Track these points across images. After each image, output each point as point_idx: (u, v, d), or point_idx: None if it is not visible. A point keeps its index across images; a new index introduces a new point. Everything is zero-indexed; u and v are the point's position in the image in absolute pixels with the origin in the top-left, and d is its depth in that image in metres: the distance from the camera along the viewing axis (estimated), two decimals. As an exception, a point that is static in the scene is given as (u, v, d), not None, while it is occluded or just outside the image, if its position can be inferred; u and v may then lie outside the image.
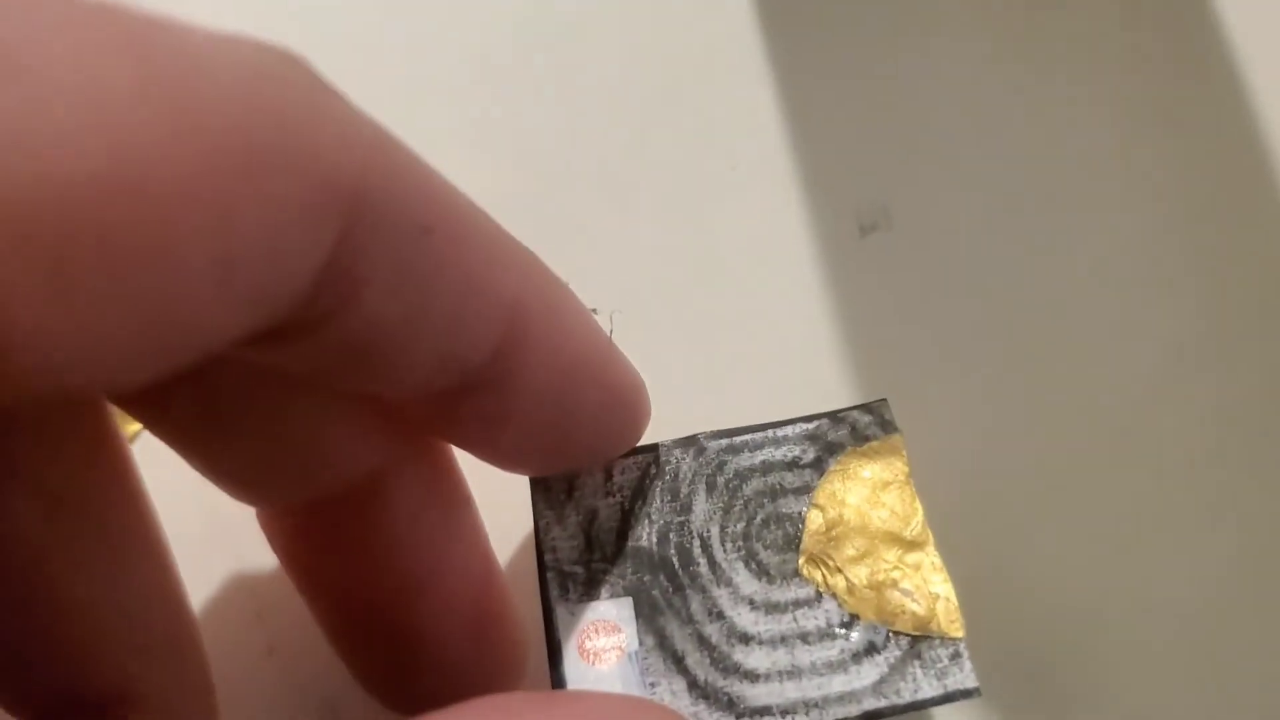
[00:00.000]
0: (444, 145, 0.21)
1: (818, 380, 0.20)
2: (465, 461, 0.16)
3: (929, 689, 0.15)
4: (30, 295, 0.08)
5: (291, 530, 0.15)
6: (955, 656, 0.15)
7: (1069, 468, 0.19)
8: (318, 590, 0.15)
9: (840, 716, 0.15)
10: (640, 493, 0.17)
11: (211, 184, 0.09)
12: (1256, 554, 0.19)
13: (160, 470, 0.17)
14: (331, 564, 0.14)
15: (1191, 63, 0.20)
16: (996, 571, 0.19)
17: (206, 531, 0.18)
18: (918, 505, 0.17)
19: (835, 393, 0.20)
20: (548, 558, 0.17)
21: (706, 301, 0.20)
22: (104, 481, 0.13)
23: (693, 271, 0.20)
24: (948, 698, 0.15)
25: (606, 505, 0.17)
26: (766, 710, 0.15)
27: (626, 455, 0.18)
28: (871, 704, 0.15)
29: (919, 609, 0.16)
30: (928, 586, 0.16)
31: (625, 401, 0.16)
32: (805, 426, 0.18)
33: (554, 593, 0.16)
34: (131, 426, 0.19)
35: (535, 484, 0.17)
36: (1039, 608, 0.18)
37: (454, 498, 0.16)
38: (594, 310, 0.17)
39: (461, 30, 0.22)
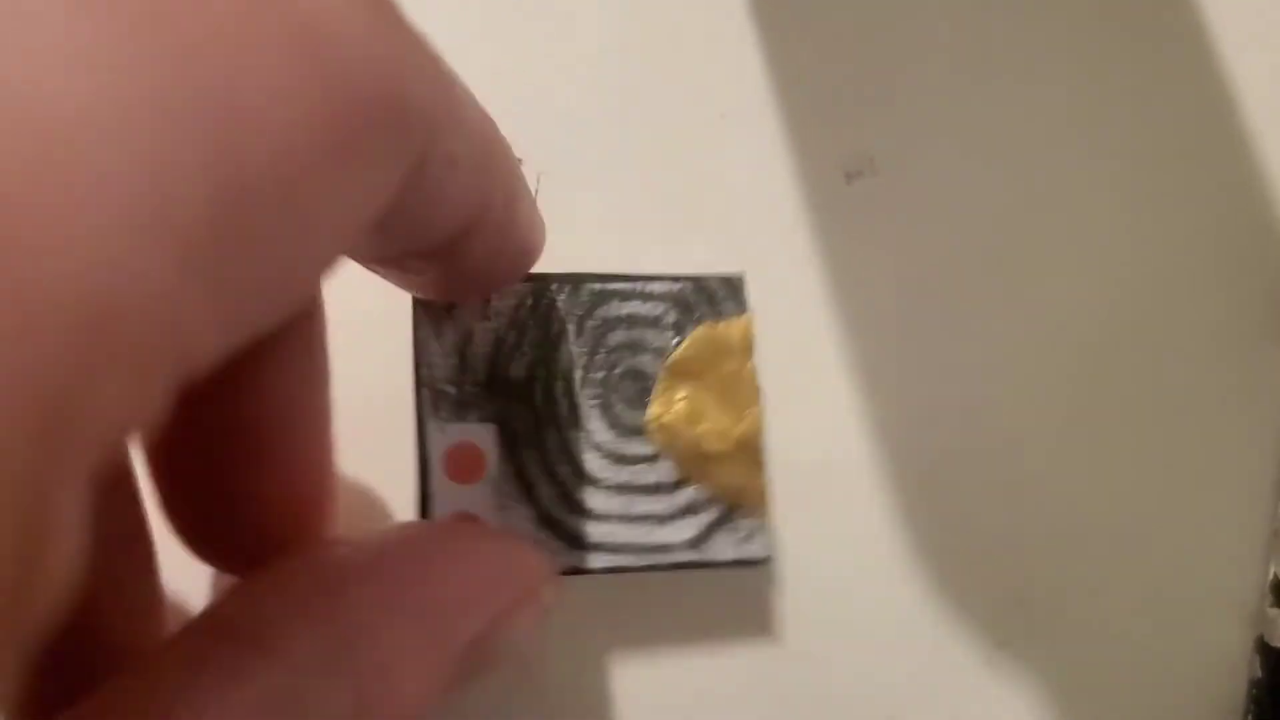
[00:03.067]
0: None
1: (806, 324, 0.21)
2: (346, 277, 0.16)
3: (729, 552, 0.18)
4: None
5: None
6: (758, 530, 0.18)
7: (1046, 404, 0.20)
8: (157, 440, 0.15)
9: (655, 562, 0.18)
10: (515, 323, 0.18)
11: (358, 145, 0.09)
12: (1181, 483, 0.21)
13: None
14: (182, 417, 0.14)
15: (1166, 25, 0.22)
16: (986, 510, 0.20)
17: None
18: (756, 389, 0.19)
19: (822, 342, 0.21)
20: (423, 373, 0.18)
21: (697, 247, 0.20)
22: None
23: (684, 216, 0.20)
24: (740, 562, 0.18)
25: (482, 329, 0.18)
26: (599, 547, 0.18)
27: (505, 280, 0.18)
28: (682, 556, 0.18)
29: (736, 484, 0.18)
30: (748, 468, 0.19)
31: (535, 256, 0.17)
32: (671, 286, 0.19)
33: (426, 409, 0.17)
34: None
35: (417, 300, 0.18)
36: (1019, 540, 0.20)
37: (317, 374, 0.15)
38: (520, 160, 0.17)
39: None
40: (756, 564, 0.18)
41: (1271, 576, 0.20)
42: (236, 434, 0.14)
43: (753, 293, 0.19)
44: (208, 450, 0.14)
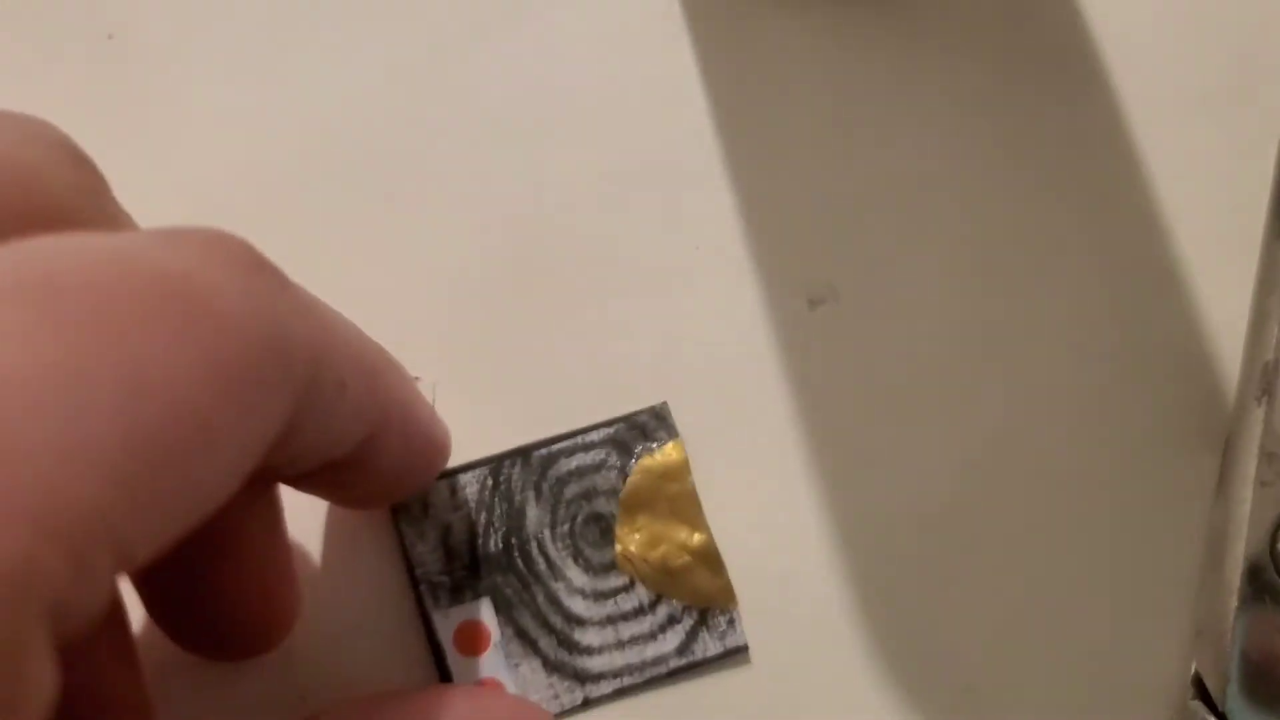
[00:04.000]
0: (431, 235, 0.23)
1: (774, 437, 0.22)
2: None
3: (714, 648, 0.21)
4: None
5: None
6: (731, 623, 0.21)
7: (993, 512, 0.22)
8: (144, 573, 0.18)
9: (653, 675, 0.21)
10: (482, 503, 0.21)
11: (244, 387, 0.12)
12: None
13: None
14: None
15: (1102, 160, 0.24)
16: (930, 604, 0.22)
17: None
18: (698, 502, 0.22)
19: (785, 444, 0.23)
20: (418, 571, 0.20)
21: (674, 372, 0.23)
22: None
23: (661, 342, 0.23)
24: (726, 654, 0.21)
25: (457, 519, 0.21)
26: (602, 676, 0.20)
27: (465, 470, 0.21)
28: (675, 663, 0.21)
29: (704, 588, 0.21)
30: (711, 572, 0.21)
31: (443, 455, 0.20)
32: (606, 431, 0.22)
33: (429, 602, 0.20)
34: None
35: (395, 509, 0.20)
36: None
37: (274, 516, 0.19)
38: (417, 379, 0.20)
39: (446, 128, 0.23)
40: (739, 652, 0.21)
41: (1193, 672, 0.22)
42: (206, 551, 0.17)
43: (723, 411, 0.22)
44: (182, 562, 0.17)
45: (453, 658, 0.20)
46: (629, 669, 0.21)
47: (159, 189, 0.21)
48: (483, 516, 0.21)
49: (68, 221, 0.14)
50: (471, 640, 0.20)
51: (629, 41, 0.24)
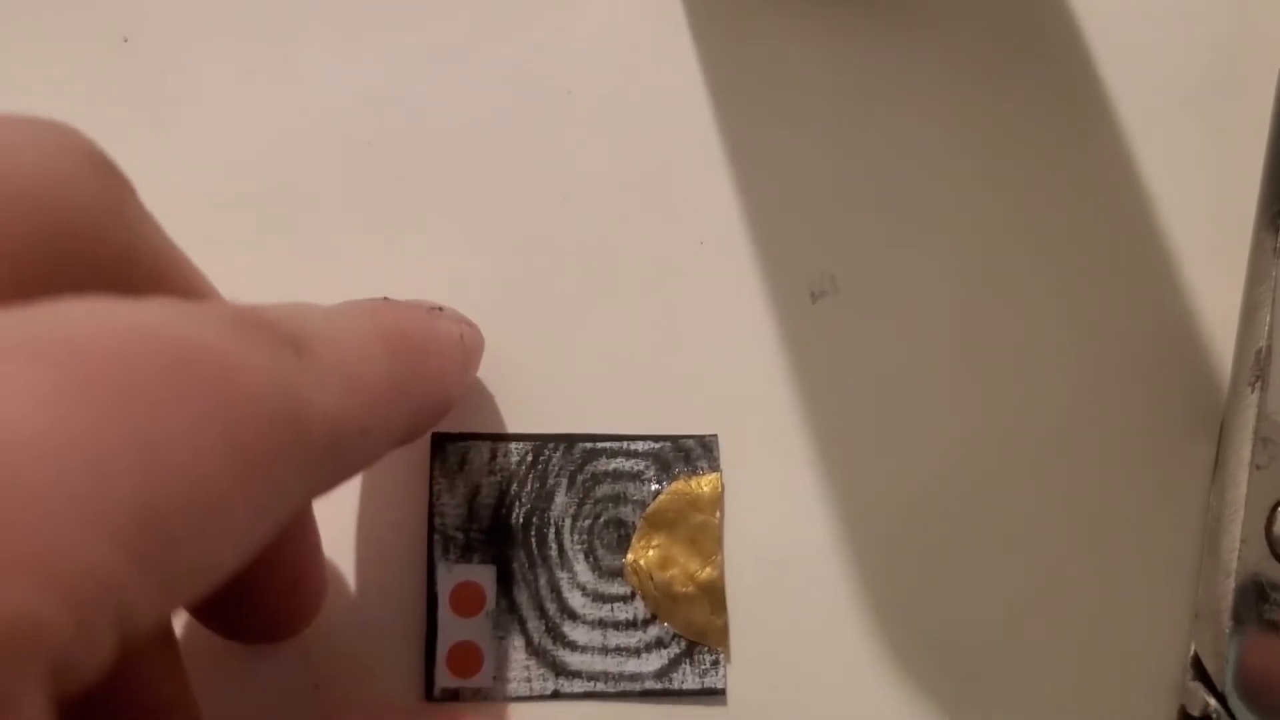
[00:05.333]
0: (448, 236, 0.23)
1: (777, 430, 0.23)
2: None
3: (691, 682, 0.21)
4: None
5: None
6: (715, 664, 0.21)
7: (993, 499, 0.23)
8: None
9: (625, 689, 0.21)
10: (516, 475, 0.22)
11: (262, 466, 0.12)
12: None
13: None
14: None
15: (1096, 151, 0.25)
16: (939, 593, 0.23)
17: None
18: (720, 539, 0.22)
19: (792, 443, 0.23)
20: (436, 521, 0.21)
21: (677, 364, 0.23)
22: None
23: (665, 335, 0.23)
24: (703, 692, 0.21)
25: (489, 483, 0.21)
26: (578, 674, 0.21)
27: (512, 440, 0.22)
28: (650, 685, 0.21)
29: (700, 622, 0.21)
30: (711, 609, 0.22)
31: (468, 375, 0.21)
32: (652, 445, 0.22)
33: (437, 552, 0.21)
34: None
35: (434, 452, 0.21)
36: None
37: (308, 528, 0.19)
38: (440, 309, 0.20)
39: (456, 131, 0.24)
40: (716, 694, 0.21)
41: (1192, 653, 0.22)
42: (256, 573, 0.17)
43: (724, 404, 0.22)
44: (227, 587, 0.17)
45: (444, 613, 0.20)
46: (605, 676, 0.21)
47: (175, 187, 0.21)
48: (513, 488, 0.21)
49: (93, 238, 0.13)
50: (467, 601, 0.20)
51: (631, 40, 0.24)
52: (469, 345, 0.20)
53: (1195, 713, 0.22)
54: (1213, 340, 0.24)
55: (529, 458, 0.22)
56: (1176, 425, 0.24)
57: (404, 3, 0.24)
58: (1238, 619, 0.21)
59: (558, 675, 0.21)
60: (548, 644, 0.21)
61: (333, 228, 0.23)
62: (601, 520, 0.22)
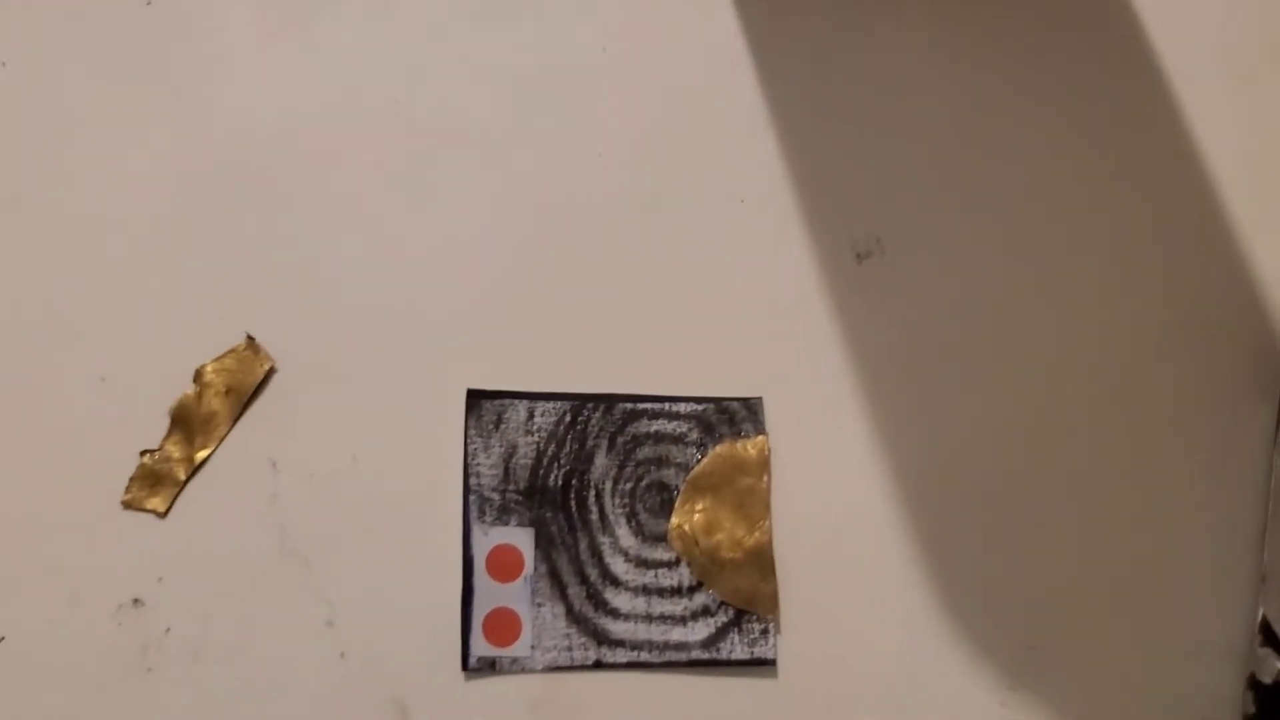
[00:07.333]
0: (483, 195, 0.23)
1: (823, 393, 0.22)
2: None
3: (740, 652, 0.20)
4: None
5: None
6: (765, 632, 0.20)
7: (1049, 464, 0.22)
8: None
9: (672, 659, 0.20)
10: (554, 436, 0.21)
11: None
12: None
13: (230, 489, 0.20)
14: None
15: (1145, 116, 0.24)
16: (1001, 558, 0.22)
17: (276, 546, 0.20)
18: (768, 504, 0.21)
19: (841, 406, 0.22)
20: (471, 482, 0.20)
21: (721, 323, 0.22)
22: None
23: (710, 297, 0.22)
24: (752, 661, 0.20)
25: (525, 443, 0.20)
26: (621, 643, 0.20)
27: (548, 399, 0.21)
28: (697, 655, 0.20)
29: (748, 589, 0.20)
30: (760, 575, 0.21)
31: None
32: (695, 407, 0.21)
33: (473, 514, 0.20)
34: (200, 453, 0.20)
35: (470, 410, 0.20)
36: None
37: None
38: None
39: (489, 91, 0.23)
40: (766, 664, 0.20)
41: (1260, 618, 0.21)
42: None
43: (767, 365, 0.22)
44: None
45: (480, 577, 0.19)
46: (650, 645, 0.20)
47: (195, 145, 0.21)
48: (551, 449, 0.20)
49: None
50: (504, 565, 0.19)
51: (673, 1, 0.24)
52: None
53: (1267, 679, 0.21)
54: (1272, 300, 0.23)
55: (567, 418, 0.21)
56: (1237, 387, 0.23)
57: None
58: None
59: (600, 644, 0.20)
60: (589, 611, 0.20)
61: (363, 188, 0.22)
62: (644, 483, 0.21)
